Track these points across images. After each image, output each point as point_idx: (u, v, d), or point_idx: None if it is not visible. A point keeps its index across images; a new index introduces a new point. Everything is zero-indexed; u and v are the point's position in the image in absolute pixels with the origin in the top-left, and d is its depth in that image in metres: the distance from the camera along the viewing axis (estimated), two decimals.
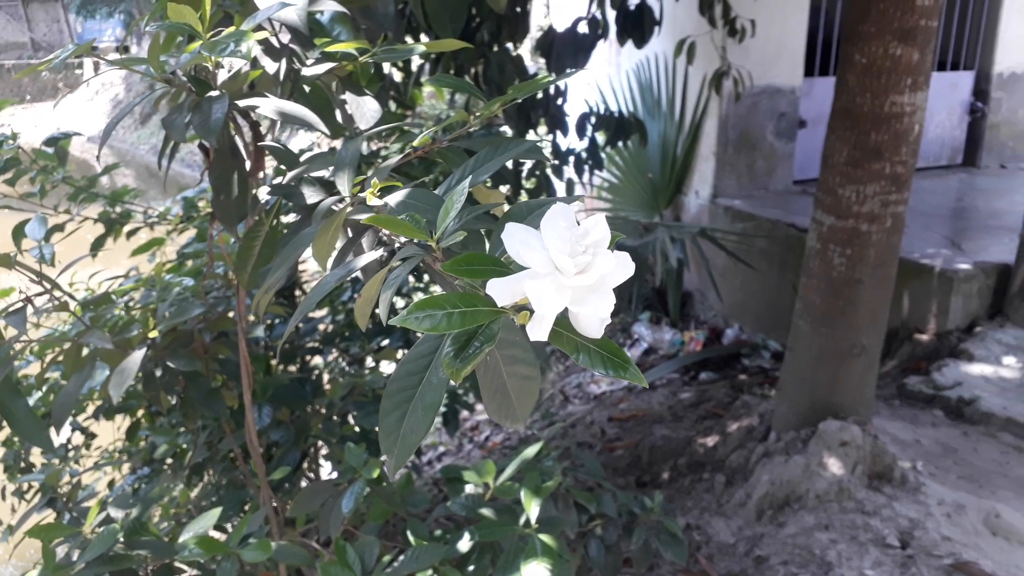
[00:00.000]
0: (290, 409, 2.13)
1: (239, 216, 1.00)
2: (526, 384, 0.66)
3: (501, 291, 0.50)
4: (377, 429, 2.36)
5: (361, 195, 0.74)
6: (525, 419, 0.69)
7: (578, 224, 0.50)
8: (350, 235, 0.81)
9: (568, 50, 3.58)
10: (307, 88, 1.11)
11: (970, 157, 5.93)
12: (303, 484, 2.33)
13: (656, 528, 1.92)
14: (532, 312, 0.50)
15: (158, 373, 1.63)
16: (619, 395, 4.40)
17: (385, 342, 3.02)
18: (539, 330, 0.49)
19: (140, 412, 2.27)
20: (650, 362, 4.70)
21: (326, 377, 2.77)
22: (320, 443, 2.29)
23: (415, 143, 0.84)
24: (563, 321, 0.52)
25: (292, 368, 2.64)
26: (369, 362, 2.94)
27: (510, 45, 3.36)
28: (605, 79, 6.01)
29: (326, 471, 2.81)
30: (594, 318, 0.51)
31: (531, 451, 1.52)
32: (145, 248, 2.32)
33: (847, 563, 2.41)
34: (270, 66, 1.08)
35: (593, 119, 3.81)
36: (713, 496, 3.00)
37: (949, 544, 2.48)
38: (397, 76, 3.67)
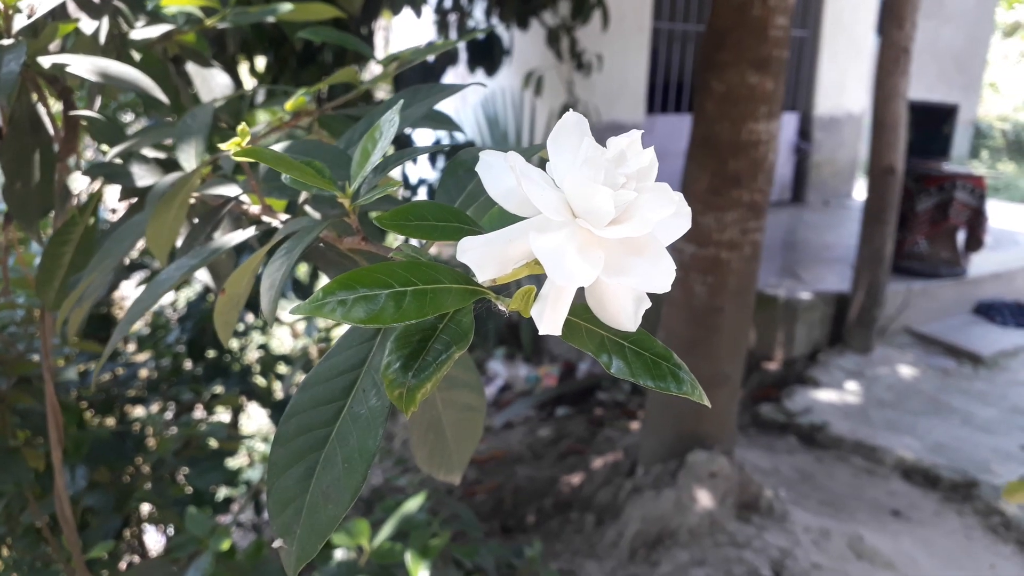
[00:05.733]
0: (110, 469, 1.79)
1: (41, 210, 0.74)
2: (468, 419, 0.46)
3: (482, 256, 0.30)
4: (216, 489, 2.05)
5: (223, 153, 0.52)
6: (463, 467, 0.49)
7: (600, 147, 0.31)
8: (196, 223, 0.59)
9: (417, 77, 3.43)
10: (137, 56, 0.87)
11: (797, 193, 6.26)
12: (124, 558, 1.98)
13: None
14: (539, 289, 0.30)
15: None
16: None
17: (219, 389, 2.68)
18: (553, 316, 0.29)
19: None
20: (507, 399, 4.54)
21: (150, 431, 2.42)
22: (141, 508, 1.95)
23: (288, 105, 0.64)
24: (576, 306, 0.32)
25: (109, 421, 2.28)
26: (198, 415, 2.59)
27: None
28: (452, 111, 5.91)
29: (150, 538, 2.44)
30: (628, 298, 0.31)
31: (413, 504, 1.30)
32: None
33: None
34: (88, 25, 0.84)
35: (446, 148, 3.67)
36: (584, 537, 2.86)
37: (819, 571, 2.47)
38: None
